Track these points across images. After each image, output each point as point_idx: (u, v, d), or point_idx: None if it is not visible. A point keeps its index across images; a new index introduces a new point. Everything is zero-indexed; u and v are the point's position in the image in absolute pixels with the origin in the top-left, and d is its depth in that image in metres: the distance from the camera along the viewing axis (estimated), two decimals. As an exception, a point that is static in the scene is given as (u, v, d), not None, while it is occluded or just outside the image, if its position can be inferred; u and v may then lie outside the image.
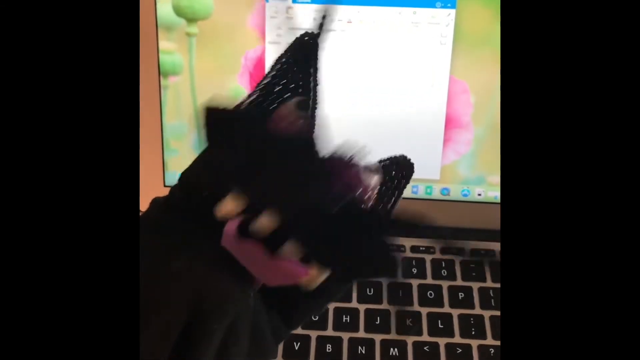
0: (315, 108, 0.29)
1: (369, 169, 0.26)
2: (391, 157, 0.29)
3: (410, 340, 0.42)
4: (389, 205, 0.28)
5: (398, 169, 0.29)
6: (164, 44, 0.47)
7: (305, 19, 0.46)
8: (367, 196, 0.26)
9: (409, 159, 0.29)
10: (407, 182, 0.29)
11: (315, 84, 0.29)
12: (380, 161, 0.29)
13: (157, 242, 0.25)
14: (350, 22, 0.46)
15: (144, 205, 0.27)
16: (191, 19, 0.46)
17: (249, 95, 0.28)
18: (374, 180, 0.26)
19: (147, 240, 0.25)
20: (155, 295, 0.24)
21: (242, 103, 0.28)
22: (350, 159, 0.25)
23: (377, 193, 0.27)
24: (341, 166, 0.25)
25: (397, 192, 0.29)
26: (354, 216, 0.25)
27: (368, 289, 0.46)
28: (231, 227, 0.24)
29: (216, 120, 0.25)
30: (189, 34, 0.47)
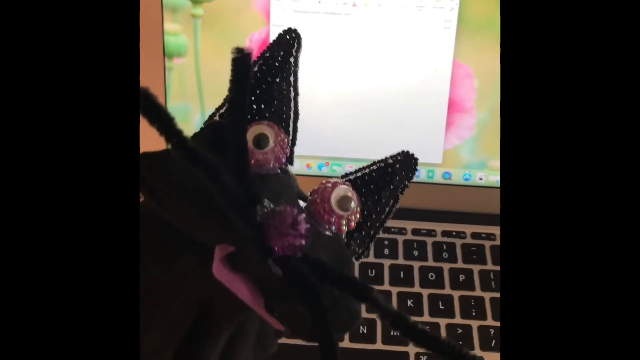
0: (297, 120, 0.28)
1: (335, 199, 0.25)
2: (392, 156, 0.27)
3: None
4: (383, 216, 0.27)
5: (397, 170, 0.27)
6: (168, 26, 0.47)
7: (310, 2, 0.46)
8: (342, 225, 0.25)
9: (412, 155, 0.27)
10: (406, 186, 0.27)
11: (296, 94, 0.27)
12: (374, 163, 0.27)
13: (162, 237, 0.25)
14: (355, 5, 0.46)
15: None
16: (196, 1, 0.46)
17: (220, 107, 0.27)
18: (351, 206, 0.25)
19: (151, 235, 0.25)
20: (161, 293, 0.24)
21: (214, 115, 0.27)
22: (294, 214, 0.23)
23: (359, 211, 0.26)
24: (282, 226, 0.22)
25: (392, 200, 0.27)
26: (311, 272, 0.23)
27: (370, 271, 0.46)
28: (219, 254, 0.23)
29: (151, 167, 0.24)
30: (194, 16, 0.47)
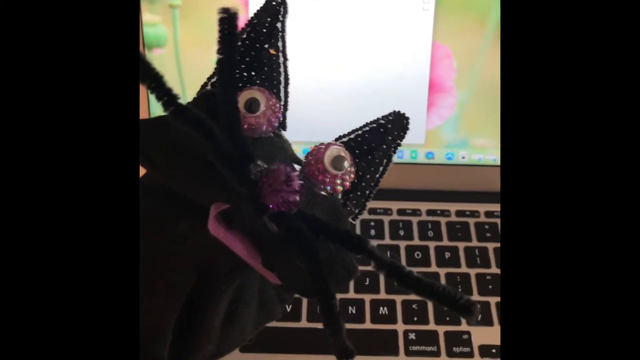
0: (288, 85, 0.28)
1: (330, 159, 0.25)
2: (384, 117, 0.27)
3: (399, 299, 0.44)
4: (377, 175, 0.28)
5: (389, 130, 0.27)
6: (147, 16, 0.47)
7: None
8: (337, 184, 0.26)
9: (403, 115, 0.27)
10: (399, 145, 0.28)
11: (286, 59, 0.28)
12: (366, 124, 0.28)
13: (159, 205, 0.25)
14: (333, -11, 0.46)
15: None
16: (173, -9, 0.46)
17: (211, 77, 0.27)
18: (344, 165, 0.25)
19: (151, 202, 0.25)
20: (161, 257, 0.24)
21: (205, 85, 0.27)
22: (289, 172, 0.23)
23: (354, 170, 0.26)
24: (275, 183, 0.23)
25: (385, 160, 0.28)
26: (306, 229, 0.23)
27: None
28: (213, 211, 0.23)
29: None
30: (172, 6, 0.46)
